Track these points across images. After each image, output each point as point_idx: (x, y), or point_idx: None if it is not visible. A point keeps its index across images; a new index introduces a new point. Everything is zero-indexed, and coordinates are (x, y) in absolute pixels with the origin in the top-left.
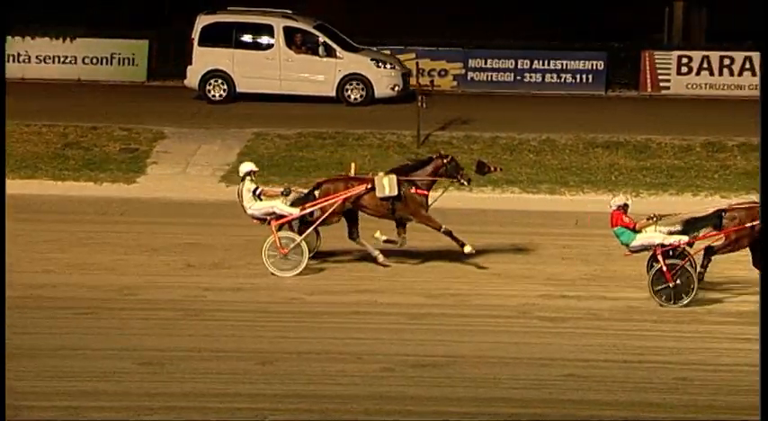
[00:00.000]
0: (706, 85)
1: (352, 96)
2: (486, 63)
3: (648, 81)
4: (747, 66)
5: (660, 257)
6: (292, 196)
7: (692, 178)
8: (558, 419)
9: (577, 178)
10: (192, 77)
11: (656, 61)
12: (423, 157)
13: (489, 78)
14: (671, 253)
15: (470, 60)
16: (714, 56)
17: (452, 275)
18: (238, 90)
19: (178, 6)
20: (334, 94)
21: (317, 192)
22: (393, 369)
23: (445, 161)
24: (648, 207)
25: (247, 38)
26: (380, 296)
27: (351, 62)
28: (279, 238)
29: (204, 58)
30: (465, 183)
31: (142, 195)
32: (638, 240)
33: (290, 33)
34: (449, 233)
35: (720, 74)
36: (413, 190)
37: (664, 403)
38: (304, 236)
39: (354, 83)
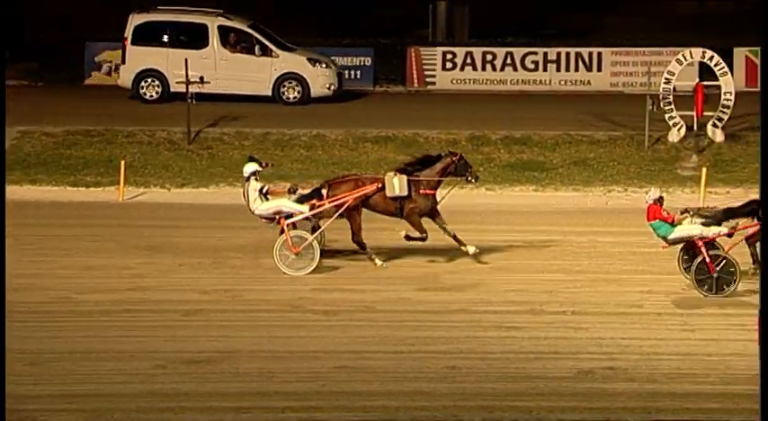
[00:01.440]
0: (470, 80)
1: (288, 95)
2: None
3: (415, 76)
4: (509, 61)
5: (703, 249)
6: (299, 194)
7: None
8: (330, 411)
9: (347, 172)
10: (125, 77)
11: (422, 57)
12: (432, 155)
13: None
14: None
15: None
16: (477, 52)
17: (225, 271)
18: (173, 90)
19: None
20: (270, 93)
21: (324, 191)
22: (166, 366)
23: (455, 159)
24: None
25: (181, 37)
26: (152, 293)
27: (287, 61)
28: (290, 237)
29: (137, 58)
30: (473, 180)
31: None
32: (677, 233)
33: (224, 33)
34: (408, 238)
35: (483, 69)
36: (420, 190)
37: (433, 391)
38: (316, 234)
39: (290, 82)
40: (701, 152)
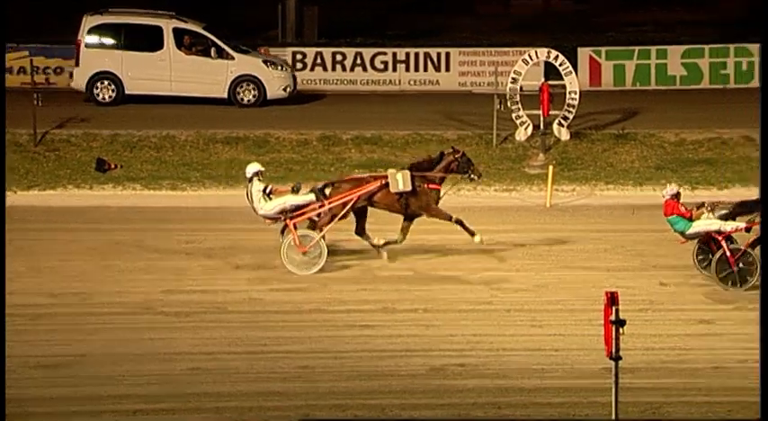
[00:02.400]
0: (320, 80)
1: (245, 98)
2: None
3: None
4: (358, 61)
5: (723, 243)
6: (303, 192)
7: (309, 171)
8: (183, 413)
9: (199, 174)
10: (79, 79)
11: None
12: (435, 154)
13: None
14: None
15: None
16: (327, 52)
17: (74, 274)
18: (127, 92)
19: None
20: (225, 95)
21: (327, 190)
22: (14, 371)
23: (457, 156)
24: None
25: (136, 39)
26: None
27: (242, 64)
28: (297, 237)
29: (91, 60)
30: (476, 177)
31: None
32: (695, 228)
33: (179, 35)
34: (460, 222)
35: (333, 69)
36: (425, 185)
37: (286, 391)
38: (323, 233)
39: (246, 84)
40: (548, 150)
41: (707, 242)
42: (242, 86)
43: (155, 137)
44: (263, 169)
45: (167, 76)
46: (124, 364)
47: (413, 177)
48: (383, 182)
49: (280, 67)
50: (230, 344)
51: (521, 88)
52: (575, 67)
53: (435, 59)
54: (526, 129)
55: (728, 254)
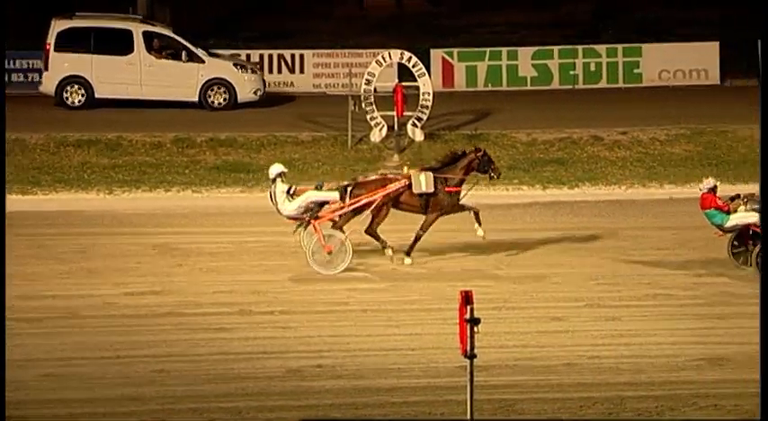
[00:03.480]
0: None
1: (215, 101)
2: None
3: None
4: None
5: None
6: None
7: (163, 174)
8: (36, 419)
9: (50, 177)
10: (48, 84)
11: None
12: (457, 152)
13: None
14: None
15: None
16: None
17: None
18: (97, 96)
19: None
20: (196, 99)
21: (349, 190)
22: None
23: (478, 155)
24: (123, 204)
25: (106, 43)
26: None
27: (213, 67)
28: (323, 236)
29: (61, 64)
30: (495, 176)
31: None
32: (733, 220)
33: (149, 38)
34: (417, 239)
35: None
36: (446, 188)
37: (141, 396)
38: (349, 232)
39: (217, 87)
40: (402, 151)
41: (742, 235)
42: (213, 90)
43: None
44: (285, 170)
45: (138, 79)
46: None
47: (435, 179)
48: (406, 183)
49: (250, 71)
50: (83, 349)
51: (375, 90)
52: (428, 68)
53: (290, 61)
54: (381, 130)
55: None
